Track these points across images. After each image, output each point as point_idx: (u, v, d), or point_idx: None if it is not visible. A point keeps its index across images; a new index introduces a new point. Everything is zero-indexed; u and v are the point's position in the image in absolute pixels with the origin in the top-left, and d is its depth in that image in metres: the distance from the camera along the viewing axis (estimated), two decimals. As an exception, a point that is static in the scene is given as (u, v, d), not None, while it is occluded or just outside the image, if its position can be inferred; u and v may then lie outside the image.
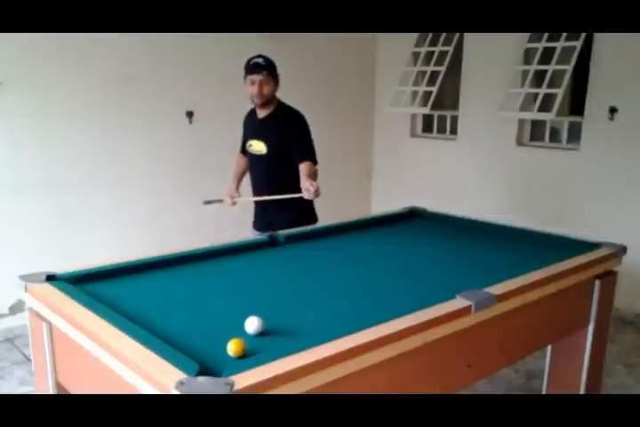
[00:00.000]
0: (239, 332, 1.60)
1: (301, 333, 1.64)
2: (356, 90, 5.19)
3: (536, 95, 4.06)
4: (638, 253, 2.93)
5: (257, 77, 2.90)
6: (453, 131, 4.90)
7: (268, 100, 2.98)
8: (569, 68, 3.89)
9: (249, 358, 1.44)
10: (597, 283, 2.37)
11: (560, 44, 3.97)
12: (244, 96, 4.42)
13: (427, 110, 4.73)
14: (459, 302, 1.81)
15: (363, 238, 2.75)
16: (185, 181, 4.24)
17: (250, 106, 3.16)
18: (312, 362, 1.41)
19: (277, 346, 1.50)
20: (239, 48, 4.26)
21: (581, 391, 2.44)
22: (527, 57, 4.23)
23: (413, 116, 5.13)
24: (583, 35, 3.87)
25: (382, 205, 4.83)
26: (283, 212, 3.03)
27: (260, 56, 2.94)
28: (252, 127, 3.15)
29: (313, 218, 3.12)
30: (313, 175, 2.85)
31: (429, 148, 5.02)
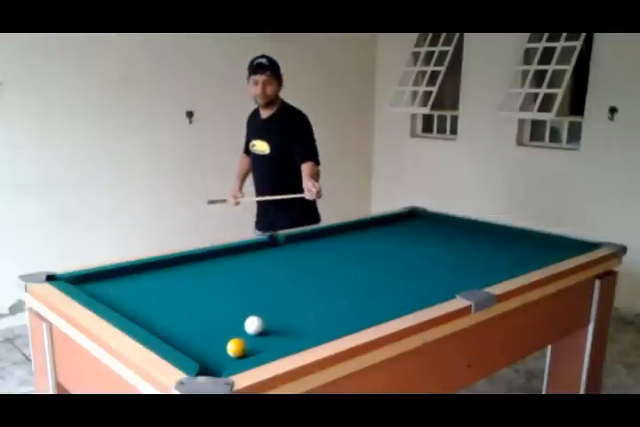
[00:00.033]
0: (239, 332, 1.60)
1: (301, 333, 1.64)
2: (356, 90, 5.20)
3: (536, 95, 4.06)
4: (638, 253, 2.93)
5: (260, 78, 2.90)
6: (453, 131, 4.90)
7: (272, 101, 2.98)
8: (569, 68, 3.89)
9: (249, 358, 1.44)
10: (597, 283, 2.37)
11: (560, 44, 3.97)
12: (243, 96, 4.42)
13: (427, 110, 4.73)
14: (459, 302, 1.81)
15: (363, 238, 2.75)
16: (185, 181, 4.24)
17: (253, 106, 3.16)
18: (312, 362, 1.41)
19: (277, 346, 1.50)
20: (239, 48, 4.26)
21: (581, 391, 2.44)
22: (527, 57, 4.23)
23: (413, 116, 5.13)
24: (583, 35, 3.87)
25: (382, 205, 4.83)
26: (284, 212, 3.03)
27: (263, 56, 2.94)
28: (256, 127, 3.15)
29: (315, 218, 3.11)
30: (315, 176, 2.85)
31: (429, 148, 5.02)
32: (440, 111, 4.96)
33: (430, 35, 4.76)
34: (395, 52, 5.02)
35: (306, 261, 2.41)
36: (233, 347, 1.47)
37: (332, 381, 1.46)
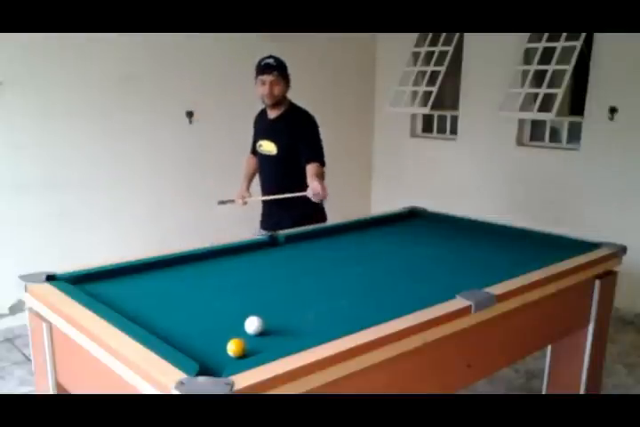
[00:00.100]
0: (239, 332, 1.60)
1: (301, 333, 1.64)
2: (357, 90, 5.20)
3: (536, 95, 4.06)
4: (638, 253, 2.93)
5: (267, 78, 2.90)
6: (453, 131, 4.90)
7: (279, 101, 2.98)
8: (569, 68, 3.89)
9: (249, 358, 1.44)
10: (597, 283, 2.37)
11: (560, 44, 3.97)
12: (244, 96, 4.42)
13: (427, 110, 4.73)
14: (459, 302, 1.81)
15: (363, 238, 2.75)
16: (185, 181, 4.24)
17: (254, 106, 3.16)
18: (312, 362, 1.41)
19: (277, 346, 1.50)
20: (239, 48, 4.27)
21: (581, 391, 2.44)
22: (527, 57, 4.23)
23: (413, 116, 5.13)
24: (583, 35, 3.87)
25: (382, 205, 4.83)
26: (286, 211, 3.03)
27: (270, 57, 2.94)
28: (263, 128, 3.15)
29: (321, 217, 3.10)
30: (319, 177, 2.84)
31: (429, 148, 5.02)
32: (440, 111, 4.96)
33: (430, 35, 4.76)
34: (395, 52, 5.02)
35: (306, 261, 2.41)
36: (233, 347, 1.47)
37: (332, 381, 1.46)
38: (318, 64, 4.79)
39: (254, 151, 3.27)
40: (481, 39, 4.40)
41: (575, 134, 4.21)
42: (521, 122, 4.40)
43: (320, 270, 2.27)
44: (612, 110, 3.83)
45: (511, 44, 4.23)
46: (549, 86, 3.97)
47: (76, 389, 1.84)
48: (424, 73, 4.77)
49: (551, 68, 3.98)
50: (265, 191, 3.15)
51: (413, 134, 5.17)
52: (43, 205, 3.64)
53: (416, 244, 2.68)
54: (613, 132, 3.87)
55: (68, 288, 1.89)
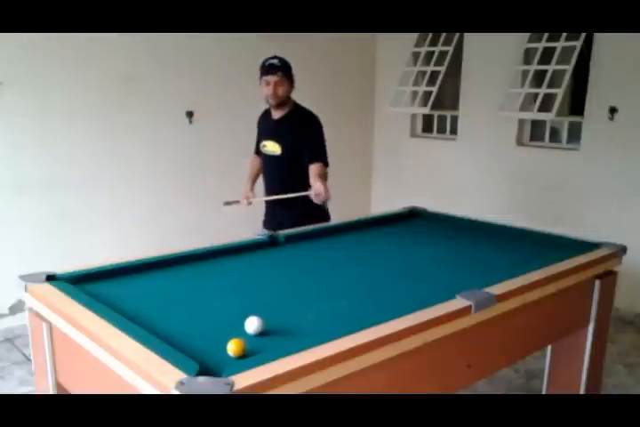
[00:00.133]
0: (239, 332, 1.60)
1: (301, 333, 1.64)
2: (356, 90, 5.20)
3: (536, 95, 4.06)
4: (638, 253, 2.93)
5: (272, 78, 2.90)
6: (453, 131, 4.90)
7: (283, 102, 2.99)
8: (569, 68, 3.89)
9: (249, 358, 1.44)
10: (597, 283, 2.37)
11: (560, 44, 3.97)
12: (244, 96, 4.43)
13: (427, 110, 4.73)
14: (459, 302, 1.81)
15: (363, 238, 2.75)
16: (185, 181, 4.24)
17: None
18: (312, 362, 1.41)
19: (277, 346, 1.50)
20: (239, 48, 4.27)
21: (581, 391, 2.44)
22: (527, 57, 4.24)
23: (413, 116, 5.13)
24: (583, 35, 3.87)
25: (382, 205, 4.83)
26: (289, 211, 3.03)
27: (275, 57, 2.95)
28: (267, 128, 3.15)
29: (324, 217, 3.09)
30: (322, 177, 2.85)
31: (429, 148, 5.02)
32: (440, 111, 4.96)
33: (430, 35, 4.76)
34: (395, 52, 5.02)
35: (306, 261, 2.41)
36: (233, 347, 1.47)
37: (332, 381, 1.46)
38: (318, 64, 4.79)
39: (258, 152, 3.27)
40: (481, 39, 4.40)
41: (575, 134, 4.21)
42: (521, 122, 4.40)
43: (320, 270, 2.27)
44: (612, 110, 3.83)
45: (511, 44, 4.24)
46: (549, 86, 3.97)
47: (75, 389, 1.84)
48: (424, 73, 4.77)
49: (551, 68, 3.98)
50: (268, 191, 3.16)
51: (413, 134, 5.17)
52: (43, 205, 3.64)
53: (416, 244, 2.68)
54: (613, 132, 3.87)
55: (67, 288, 1.89)
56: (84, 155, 3.77)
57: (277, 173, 3.12)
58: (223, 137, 4.36)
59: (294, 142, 2.97)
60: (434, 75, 4.68)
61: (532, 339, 2.26)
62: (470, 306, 1.79)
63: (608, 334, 2.57)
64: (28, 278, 1.97)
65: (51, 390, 1.91)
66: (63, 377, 1.88)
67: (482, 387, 2.94)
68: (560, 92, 3.88)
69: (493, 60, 4.40)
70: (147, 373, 1.37)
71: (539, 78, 4.11)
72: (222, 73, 4.27)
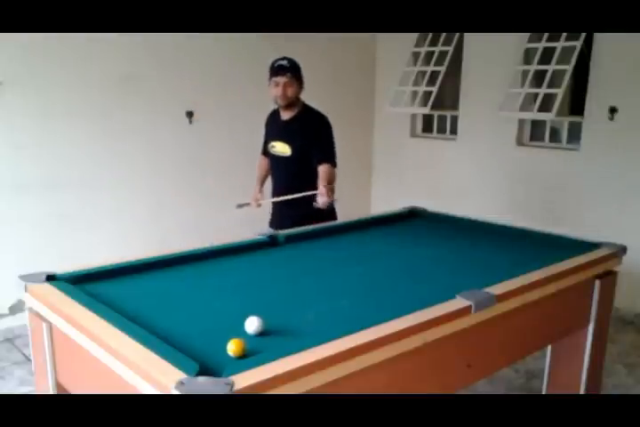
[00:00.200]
0: (239, 332, 1.60)
1: (301, 333, 1.64)
2: (357, 90, 5.20)
3: (536, 95, 4.06)
4: (638, 253, 2.93)
5: (281, 79, 2.91)
6: (453, 131, 4.90)
7: (292, 102, 3.00)
8: (569, 68, 3.89)
9: (249, 358, 1.44)
10: (597, 283, 2.37)
11: (560, 44, 3.97)
12: (244, 96, 4.43)
13: (427, 110, 4.73)
14: (459, 302, 1.81)
15: (363, 238, 2.75)
16: (185, 181, 4.24)
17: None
18: (312, 362, 1.41)
19: (277, 346, 1.50)
20: (239, 48, 4.27)
21: (581, 391, 2.44)
22: (527, 57, 4.23)
23: (413, 116, 5.13)
24: (583, 35, 3.87)
25: (382, 205, 4.83)
26: (296, 211, 3.03)
27: (284, 58, 2.96)
28: (276, 129, 3.16)
29: (330, 216, 3.10)
30: (331, 178, 2.91)
31: (429, 148, 5.02)
32: (440, 111, 4.96)
33: (430, 35, 4.76)
34: (395, 52, 5.01)
35: (306, 261, 2.41)
36: (233, 347, 1.47)
37: (332, 381, 1.46)
38: (318, 64, 4.78)
39: (265, 152, 3.27)
40: (481, 39, 4.40)
41: (575, 134, 4.21)
42: (521, 122, 4.40)
43: (320, 270, 2.27)
44: (612, 110, 3.83)
45: (511, 44, 4.23)
46: (549, 86, 3.97)
47: (75, 389, 1.84)
48: (424, 73, 4.77)
49: (551, 68, 3.98)
50: (276, 192, 3.16)
51: (413, 134, 5.17)
52: (43, 205, 3.64)
53: (416, 244, 2.68)
54: (613, 132, 3.87)
55: (68, 288, 1.89)
56: (84, 155, 3.77)
57: (286, 174, 3.13)
58: (223, 137, 4.36)
59: (304, 143, 2.99)
60: (434, 75, 4.67)
61: (532, 339, 2.26)
62: (470, 306, 1.79)
63: (608, 334, 2.57)
64: (27, 278, 1.97)
65: (51, 390, 1.91)
66: (63, 377, 1.88)
67: (482, 387, 2.94)
68: (560, 92, 3.88)
69: (493, 60, 4.40)
70: (147, 373, 1.37)
71: (539, 78, 4.11)
72: (222, 73, 4.27)
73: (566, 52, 3.95)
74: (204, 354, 1.47)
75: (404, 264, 2.35)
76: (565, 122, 4.28)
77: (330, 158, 2.99)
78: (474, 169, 4.68)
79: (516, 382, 3.11)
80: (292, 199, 2.95)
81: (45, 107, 3.59)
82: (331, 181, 2.94)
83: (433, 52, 4.71)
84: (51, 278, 1.99)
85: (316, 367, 1.42)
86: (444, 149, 4.91)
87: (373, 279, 2.16)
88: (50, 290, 1.89)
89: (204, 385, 1.28)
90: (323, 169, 2.94)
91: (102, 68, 3.75)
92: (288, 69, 2.92)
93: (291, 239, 2.61)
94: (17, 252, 3.58)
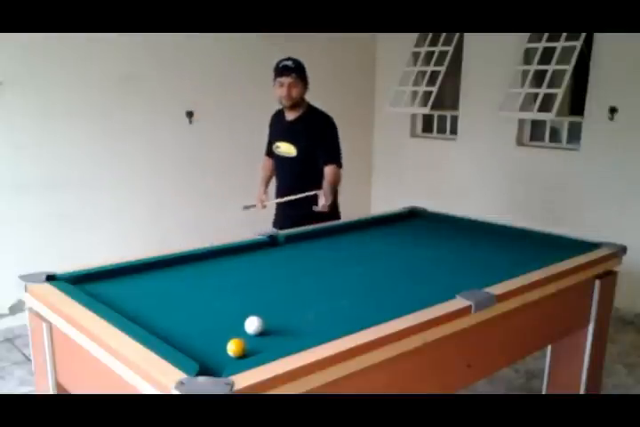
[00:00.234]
0: (239, 332, 1.60)
1: (301, 333, 1.64)
2: (356, 90, 5.19)
3: (536, 95, 4.05)
4: (638, 253, 2.93)
5: (286, 80, 2.92)
6: (453, 131, 4.90)
7: (297, 103, 3.00)
8: (569, 68, 3.89)
9: (249, 358, 1.44)
10: (597, 283, 2.37)
11: (560, 44, 3.97)
12: (244, 96, 4.43)
13: (427, 110, 4.73)
14: (459, 302, 1.81)
15: (363, 238, 2.74)
16: (185, 181, 4.24)
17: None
18: (312, 362, 1.41)
19: (277, 346, 1.50)
20: (239, 48, 4.27)
21: (581, 391, 2.44)
22: (527, 57, 4.23)
23: (413, 116, 5.13)
24: (583, 35, 3.87)
25: (382, 205, 4.83)
26: (300, 210, 3.03)
27: (289, 58, 2.96)
28: (280, 129, 3.16)
29: (334, 215, 3.10)
30: (336, 179, 2.94)
31: (429, 148, 5.02)
32: (440, 111, 4.96)
33: (430, 35, 4.76)
34: (395, 52, 5.01)
35: (306, 261, 2.41)
36: (233, 347, 1.47)
37: (332, 381, 1.46)
38: (318, 64, 4.76)
39: (269, 153, 3.27)
40: (481, 39, 4.39)
41: (575, 134, 4.21)
42: (521, 122, 4.40)
43: (320, 270, 2.27)
44: (612, 110, 3.83)
45: (511, 44, 4.23)
46: (549, 86, 3.97)
47: (76, 389, 1.84)
48: (424, 73, 4.76)
49: (551, 68, 3.98)
50: (281, 192, 3.16)
51: (413, 134, 5.17)
52: (43, 205, 3.64)
53: (416, 244, 2.68)
54: (613, 132, 3.87)
55: (68, 288, 1.89)
56: (84, 155, 3.77)
57: (291, 175, 3.13)
58: (223, 137, 4.35)
59: (309, 144, 2.99)
60: (434, 75, 4.67)
61: (532, 339, 2.26)
62: (470, 306, 1.79)
63: (608, 334, 2.57)
64: (27, 278, 1.97)
65: (51, 390, 1.91)
66: (63, 377, 1.88)
67: (482, 387, 2.94)
68: (560, 92, 3.88)
69: (493, 60, 4.40)
70: (147, 373, 1.37)
71: (539, 78, 4.11)
72: (222, 73, 4.27)
73: (566, 52, 3.95)
74: (204, 354, 1.47)
75: (404, 264, 2.35)
76: (565, 122, 4.28)
77: (335, 159, 3.00)
78: (474, 169, 4.68)
79: (516, 382, 3.11)
80: (295, 199, 2.96)
81: (45, 107, 3.59)
82: (336, 183, 2.96)
83: (433, 52, 4.71)
84: (51, 278, 1.99)
85: (316, 367, 1.42)
86: (443, 149, 4.91)
87: (373, 279, 2.16)
88: (50, 290, 1.89)
89: (204, 385, 1.28)
90: (328, 170, 2.96)
91: (102, 68, 3.75)
92: (293, 70, 2.92)
93: (291, 239, 2.61)
94: (17, 252, 3.57)
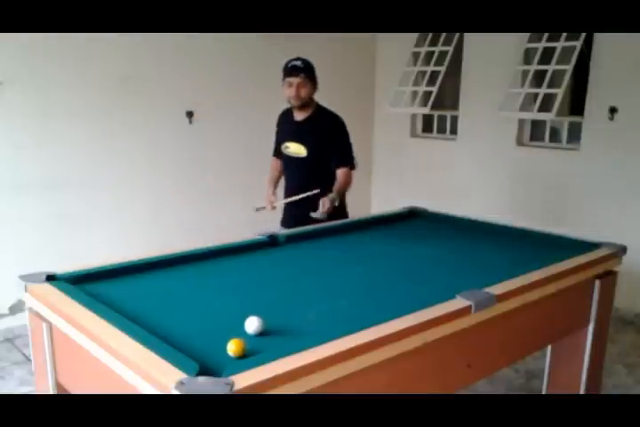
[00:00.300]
0: (239, 332, 1.60)
1: (301, 333, 1.64)
2: (357, 90, 5.19)
3: (536, 95, 4.06)
4: (638, 253, 2.93)
5: (294, 80, 2.92)
6: (453, 131, 4.90)
7: (306, 103, 3.00)
8: (569, 68, 3.89)
9: (249, 358, 1.44)
10: (597, 283, 2.37)
11: (560, 44, 3.97)
12: (244, 96, 4.43)
13: (427, 110, 4.73)
14: (459, 302, 1.81)
15: (363, 238, 2.74)
16: (185, 181, 4.24)
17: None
18: (312, 362, 1.41)
19: (277, 346, 1.50)
20: (239, 48, 4.27)
21: (581, 391, 2.44)
22: (527, 57, 4.24)
23: (413, 116, 5.13)
24: (583, 35, 3.87)
25: (382, 205, 4.83)
26: (307, 210, 3.03)
27: (298, 59, 2.96)
28: (289, 129, 3.15)
29: (342, 214, 3.11)
30: (348, 181, 2.98)
31: (429, 148, 5.02)
32: (440, 111, 4.96)
33: (430, 35, 4.76)
34: (395, 52, 5.02)
35: (306, 261, 2.41)
36: (233, 347, 1.47)
37: (332, 381, 1.46)
38: (318, 64, 4.75)
39: (277, 153, 3.27)
40: (481, 39, 4.40)
41: (575, 134, 4.21)
42: (521, 122, 4.40)
43: (320, 270, 2.27)
44: (612, 110, 3.83)
45: (511, 44, 4.23)
46: (549, 86, 3.97)
47: (76, 389, 1.84)
48: (424, 73, 4.77)
49: (551, 68, 3.98)
50: (290, 192, 3.15)
51: (413, 134, 5.17)
52: (43, 205, 3.64)
53: (416, 244, 2.68)
54: (613, 133, 3.87)
55: (68, 288, 1.89)
56: (84, 155, 3.77)
57: (299, 175, 3.13)
58: (223, 137, 4.35)
59: (319, 144, 3.00)
60: (434, 75, 4.67)
61: (532, 339, 2.26)
62: (470, 306, 1.79)
63: (608, 334, 2.57)
64: (28, 278, 1.97)
65: (51, 390, 1.91)
66: (63, 377, 1.88)
67: (482, 387, 2.94)
68: (560, 92, 3.88)
69: (493, 60, 4.40)
70: (147, 373, 1.37)
71: (539, 78, 4.11)
72: (222, 73, 4.27)
73: (566, 52, 3.95)
74: (204, 354, 1.47)
75: (404, 264, 2.35)
76: (565, 122, 4.28)
77: (348, 161, 3.03)
78: (474, 169, 4.68)
79: (516, 382, 3.11)
80: (304, 198, 2.95)
81: (45, 107, 3.59)
82: (347, 186, 3.00)
83: (433, 52, 4.71)
84: (51, 278, 1.99)
85: (317, 367, 1.41)
86: (444, 149, 4.91)
87: (373, 279, 2.16)
88: (50, 290, 1.88)
89: (204, 385, 1.28)
90: (340, 173, 2.98)
91: (102, 68, 3.75)
92: (302, 70, 2.92)
93: (291, 239, 2.61)
94: (17, 252, 3.58)
